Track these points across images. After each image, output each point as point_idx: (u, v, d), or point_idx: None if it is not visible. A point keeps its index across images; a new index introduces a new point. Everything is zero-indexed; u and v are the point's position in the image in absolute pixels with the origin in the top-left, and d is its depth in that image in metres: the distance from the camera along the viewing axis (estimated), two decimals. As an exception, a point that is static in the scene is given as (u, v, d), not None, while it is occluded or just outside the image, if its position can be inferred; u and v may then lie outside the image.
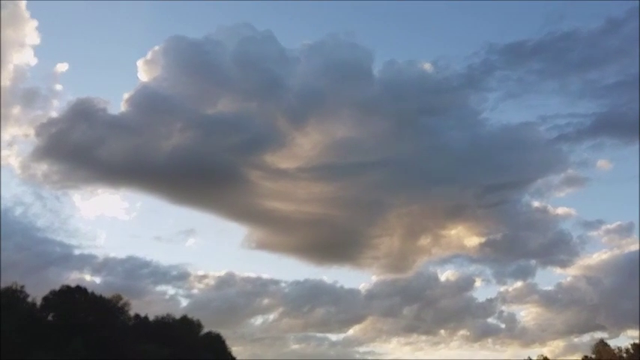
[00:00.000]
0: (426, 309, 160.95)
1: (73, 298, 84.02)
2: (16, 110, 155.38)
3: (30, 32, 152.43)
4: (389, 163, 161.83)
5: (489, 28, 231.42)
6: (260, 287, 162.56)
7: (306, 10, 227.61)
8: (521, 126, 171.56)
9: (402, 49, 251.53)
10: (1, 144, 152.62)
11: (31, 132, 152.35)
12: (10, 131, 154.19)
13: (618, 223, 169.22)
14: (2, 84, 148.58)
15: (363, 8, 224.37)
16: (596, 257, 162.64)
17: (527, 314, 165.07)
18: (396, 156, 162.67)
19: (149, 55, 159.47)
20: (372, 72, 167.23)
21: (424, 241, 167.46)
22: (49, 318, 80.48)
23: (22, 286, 77.95)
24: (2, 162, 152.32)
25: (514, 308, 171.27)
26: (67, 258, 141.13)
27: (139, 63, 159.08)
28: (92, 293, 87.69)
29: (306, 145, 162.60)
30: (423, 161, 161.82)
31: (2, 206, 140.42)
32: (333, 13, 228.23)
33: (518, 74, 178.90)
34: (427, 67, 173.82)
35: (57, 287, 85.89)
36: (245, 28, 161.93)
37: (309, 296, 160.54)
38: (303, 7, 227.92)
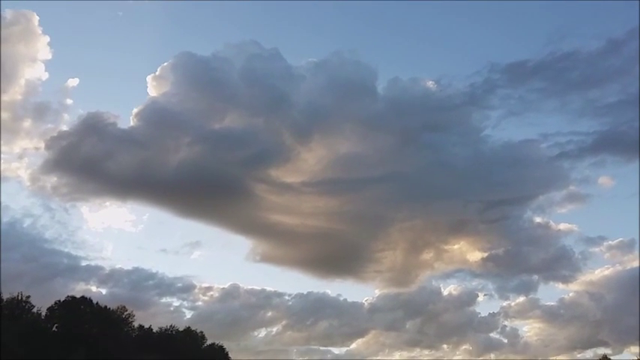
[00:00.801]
0: (428, 323, 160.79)
1: (77, 308, 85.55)
2: (27, 123, 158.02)
3: (42, 48, 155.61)
4: (392, 178, 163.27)
5: (491, 48, 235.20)
6: (264, 300, 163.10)
7: (311, 28, 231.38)
8: (522, 143, 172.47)
9: (406, 67, 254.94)
10: (12, 157, 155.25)
11: (42, 145, 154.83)
12: (21, 144, 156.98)
13: (620, 239, 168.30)
14: (14, 98, 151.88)
15: (368, 27, 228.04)
16: (599, 273, 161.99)
17: (529, 329, 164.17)
18: (399, 171, 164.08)
19: (158, 71, 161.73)
20: (376, 89, 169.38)
21: (427, 255, 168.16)
22: (54, 328, 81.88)
23: (28, 297, 79.54)
24: (12, 174, 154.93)
25: (517, 323, 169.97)
26: (74, 269, 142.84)
27: (149, 78, 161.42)
28: (97, 304, 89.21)
29: (311, 159, 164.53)
30: (425, 177, 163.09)
31: (11, 218, 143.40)
32: (338, 32, 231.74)
33: (519, 93, 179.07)
34: (430, 84, 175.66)
35: (63, 298, 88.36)
36: (252, 45, 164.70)
37: (312, 309, 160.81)
38: (308, 25, 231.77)
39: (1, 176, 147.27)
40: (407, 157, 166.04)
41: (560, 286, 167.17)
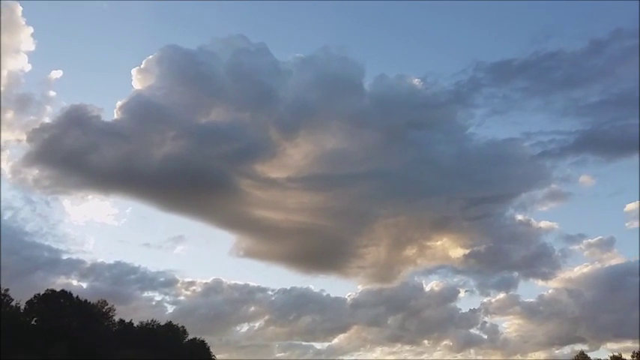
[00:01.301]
0: (410, 319, 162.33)
1: (57, 302, 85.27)
2: (9, 115, 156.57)
3: (25, 39, 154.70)
4: (377, 174, 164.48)
5: (477, 47, 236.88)
6: (247, 295, 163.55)
7: (299, 24, 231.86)
8: (506, 142, 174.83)
9: (393, 65, 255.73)
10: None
11: (24, 137, 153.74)
12: (2, 136, 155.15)
13: (599, 237, 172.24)
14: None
15: (355, 24, 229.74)
16: (578, 270, 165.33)
17: (509, 325, 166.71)
18: (384, 168, 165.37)
19: (143, 64, 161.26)
20: (362, 86, 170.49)
21: (410, 251, 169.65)
22: (33, 322, 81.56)
23: (6, 290, 79.35)
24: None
25: (497, 319, 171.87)
26: (55, 263, 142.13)
27: (134, 71, 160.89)
28: (77, 298, 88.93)
29: (297, 155, 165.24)
30: (410, 173, 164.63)
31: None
32: (325, 28, 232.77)
33: (503, 92, 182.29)
34: (416, 82, 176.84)
35: (43, 292, 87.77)
36: (239, 40, 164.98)
37: (295, 304, 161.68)
38: (296, 21, 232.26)
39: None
40: (392, 154, 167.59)
41: (540, 283, 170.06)
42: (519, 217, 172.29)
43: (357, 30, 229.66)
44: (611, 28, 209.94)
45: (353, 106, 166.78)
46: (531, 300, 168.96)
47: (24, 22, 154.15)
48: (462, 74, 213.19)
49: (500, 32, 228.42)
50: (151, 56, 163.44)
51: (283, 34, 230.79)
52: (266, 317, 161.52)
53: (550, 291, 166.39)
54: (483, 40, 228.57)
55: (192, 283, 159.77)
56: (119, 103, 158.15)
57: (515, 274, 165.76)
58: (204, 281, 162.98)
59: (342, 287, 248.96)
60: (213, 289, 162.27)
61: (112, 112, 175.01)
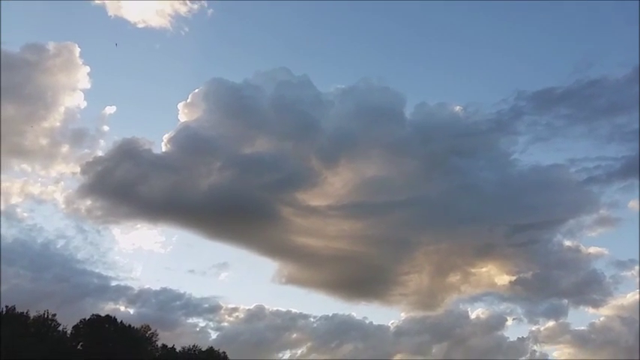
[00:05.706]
0: (455, 347, 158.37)
1: (102, 327, 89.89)
2: (64, 149, 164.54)
3: (82, 77, 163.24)
4: (418, 202, 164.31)
5: (518, 76, 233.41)
6: (289, 321, 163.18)
7: (340, 55, 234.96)
8: (551, 168, 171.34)
9: (433, 93, 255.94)
10: (49, 180, 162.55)
11: (78, 169, 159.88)
12: (58, 168, 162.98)
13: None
14: (53, 125, 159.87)
15: (395, 54, 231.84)
16: (630, 297, 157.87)
17: (560, 355, 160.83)
18: (424, 195, 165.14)
19: (190, 98, 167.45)
20: (403, 114, 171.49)
21: (453, 278, 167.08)
22: (79, 347, 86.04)
23: (54, 315, 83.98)
24: (48, 197, 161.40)
25: (546, 348, 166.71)
26: (104, 289, 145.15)
27: (180, 105, 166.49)
28: (121, 323, 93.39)
29: (337, 183, 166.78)
30: (451, 200, 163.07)
31: (45, 239, 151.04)
32: (366, 59, 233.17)
33: (546, 119, 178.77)
34: (457, 109, 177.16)
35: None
36: (282, 72, 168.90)
37: (337, 332, 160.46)
38: (337, 52, 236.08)
39: (37, 199, 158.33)
40: (433, 181, 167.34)
41: (591, 310, 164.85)
42: (568, 243, 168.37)
43: (398, 60, 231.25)
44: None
45: (393, 135, 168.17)
46: (582, 328, 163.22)
47: (81, 62, 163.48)
48: (503, 103, 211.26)
49: (541, 61, 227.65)
50: (196, 90, 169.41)
51: (325, 66, 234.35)
52: (308, 344, 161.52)
53: (602, 318, 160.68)
54: (524, 69, 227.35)
55: (235, 310, 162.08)
56: (166, 136, 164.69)
57: (565, 301, 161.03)
58: (247, 307, 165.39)
59: (384, 315, 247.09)
60: (256, 315, 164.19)
61: (160, 144, 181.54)
